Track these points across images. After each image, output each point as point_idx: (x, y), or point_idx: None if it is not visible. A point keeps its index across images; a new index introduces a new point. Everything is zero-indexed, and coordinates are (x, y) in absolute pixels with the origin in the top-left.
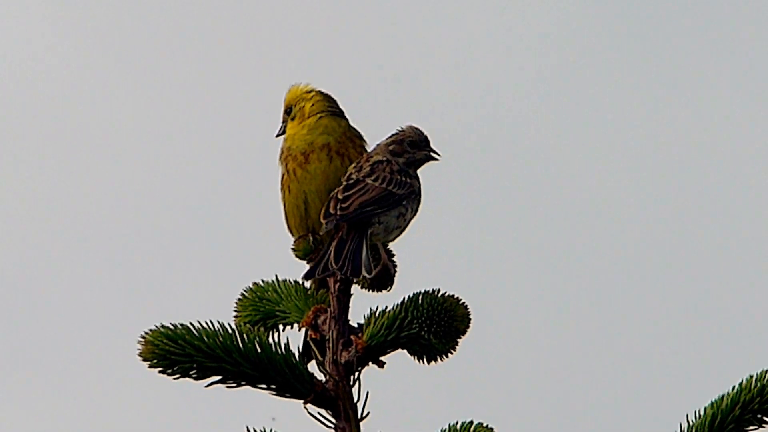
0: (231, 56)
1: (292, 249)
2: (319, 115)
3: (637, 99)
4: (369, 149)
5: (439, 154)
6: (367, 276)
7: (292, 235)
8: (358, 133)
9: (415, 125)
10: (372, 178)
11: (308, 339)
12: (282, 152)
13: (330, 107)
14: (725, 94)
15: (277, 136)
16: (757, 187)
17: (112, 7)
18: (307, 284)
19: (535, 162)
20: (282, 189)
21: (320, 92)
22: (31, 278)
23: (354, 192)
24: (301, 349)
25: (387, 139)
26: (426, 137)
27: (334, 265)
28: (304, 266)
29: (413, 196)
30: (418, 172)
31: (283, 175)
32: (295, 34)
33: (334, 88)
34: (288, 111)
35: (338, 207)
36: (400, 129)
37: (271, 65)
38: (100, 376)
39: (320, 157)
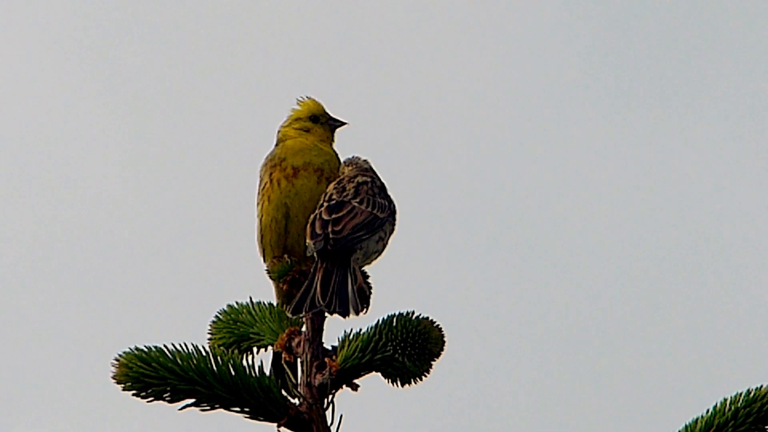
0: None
1: (267, 270)
2: (328, 142)
3: (620, 121)
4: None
5: None
6: (355, 316)
7: (264, 253)
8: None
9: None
10: (357, 200)
11: (282, 362)
12: (271, 159)
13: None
14: (711, 118)
15: (336, 126)
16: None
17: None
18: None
19: (508, 187)
20: (260, 200)
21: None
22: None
23: (344, 214)
24: (272, 371)
25: (354, 164)
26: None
27: (321, 301)
28: (272, 287)
29: (392, 218)
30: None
31: (264, 184)
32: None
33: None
34: (315, 119)
35: (330, 229)
36: (360, 158)
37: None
38: (74, 401)
39: (310, 174)
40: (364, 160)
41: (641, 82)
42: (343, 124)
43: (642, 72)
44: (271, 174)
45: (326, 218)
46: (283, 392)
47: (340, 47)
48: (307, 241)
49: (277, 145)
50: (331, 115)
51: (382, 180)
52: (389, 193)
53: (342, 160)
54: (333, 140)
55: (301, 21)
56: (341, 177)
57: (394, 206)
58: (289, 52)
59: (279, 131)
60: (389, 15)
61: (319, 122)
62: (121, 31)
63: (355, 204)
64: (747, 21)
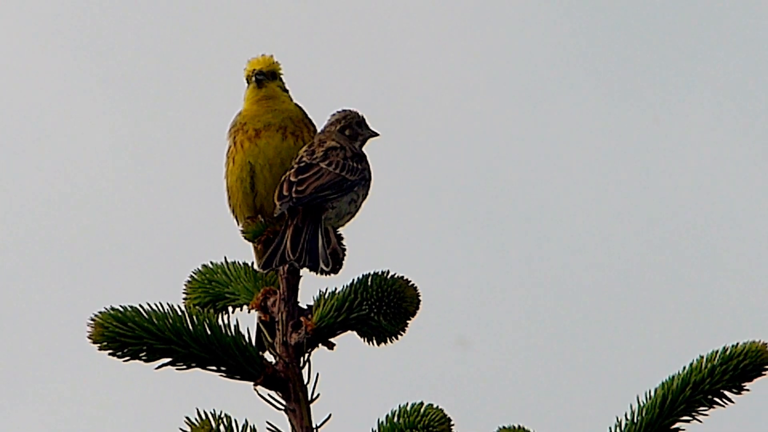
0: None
1: (242, 231)
2: (283, 98)
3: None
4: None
5: (377, 132)
6: (325, 268)
7: (234, 214)
8: (311, 120)
9: (347, 107)
10: (326, 162)
11: (258, 321)
12: (234, 125)
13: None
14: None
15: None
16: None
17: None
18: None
19: (482, 142)
20: (227, 163)
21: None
22: None
23: (309, 175)
24: (254, 336)
25: (331, 124)
26: (363, 116)
27: (291, 255)
28: (251, 247)
29: (364, 182)
30: (368, 157)
31: (229, 147)
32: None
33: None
34: (272, 75)
35: (293, 189)
36: (339, 111)
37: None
38: (49, 363)
39: (273, 134)
40: (350, 116)
41: (633, 71)
42: (262, 74)
43: (634, 61)
44: (234, 137)
45: (293, 180)
46: (259, 351)
47: (329, 30)
48: (275, 200)
49: (239, 111)
50: (259, 69)
51: (363, 133)
52: (365, 157)
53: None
54: (281, 85)
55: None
56: (312, 141)
57: (368, 172)
58: (280, 37)
59: None
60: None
61: (249, 82)
62: (112, 18)
63: (323, 166)
64: (745, 7)
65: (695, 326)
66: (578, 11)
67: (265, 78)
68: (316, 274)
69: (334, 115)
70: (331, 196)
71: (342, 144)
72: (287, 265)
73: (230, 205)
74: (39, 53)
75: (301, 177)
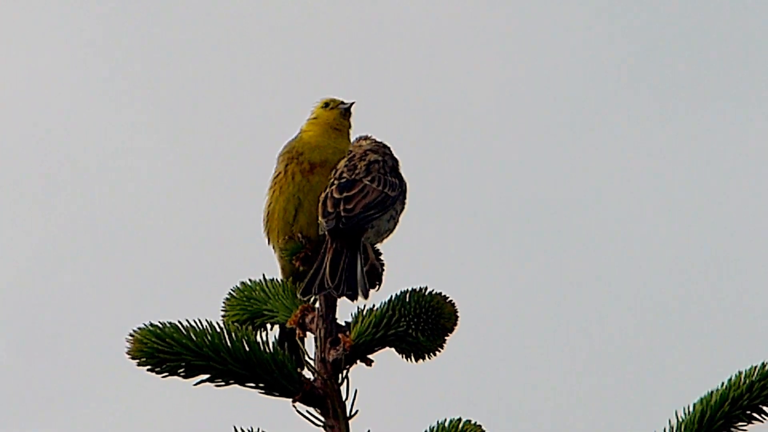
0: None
1: (281, 249)
2: (347, 139)
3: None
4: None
5: None
6: (363, 299)
7: (269, 236)
8: None
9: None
10: (368, 179)
11: (296, 338)
12: (289, 151)
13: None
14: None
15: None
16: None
17: None
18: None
19: (522, 163)
20: (272, 187)
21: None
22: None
23: (356, 192)
24: (277, 340)
25: (368, 141)
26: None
27: (330, 283)
28: (277, 265)
29: (402, 197)
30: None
31: (278, 173)
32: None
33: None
34: (326, 105)
35: (341, 207)
36: (376, 140)
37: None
38: (93, 379)
39: (326, 172)
40: (380, 142)
41: (679, 83)
42: (351, 104)
43: (680, 74)
44: (286, 165)
45: (337, 197)
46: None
47: (367, 43)
48: (319, 219)
49: (297, 135)
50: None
51: (396, 156)
52: (401, 170)
53: (355, 137)
54: (350, 127)
55: (324, 19)
56: (352, 154)
57: (405, 185)
58: (311, 53)
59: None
60: (418, 16)
61: (329, 107)
62: (144, 28)
63: (367, 183)
64: None
65: (734, 341)
66: (626, 18)
67: (348, 112)
68: (354, 302)
69: (368, 137)
70: (375, 215)
71: (384, 157)
72: (325, 293)
73: (266, 228)
74: (80, 82)
75: (347, 194)
